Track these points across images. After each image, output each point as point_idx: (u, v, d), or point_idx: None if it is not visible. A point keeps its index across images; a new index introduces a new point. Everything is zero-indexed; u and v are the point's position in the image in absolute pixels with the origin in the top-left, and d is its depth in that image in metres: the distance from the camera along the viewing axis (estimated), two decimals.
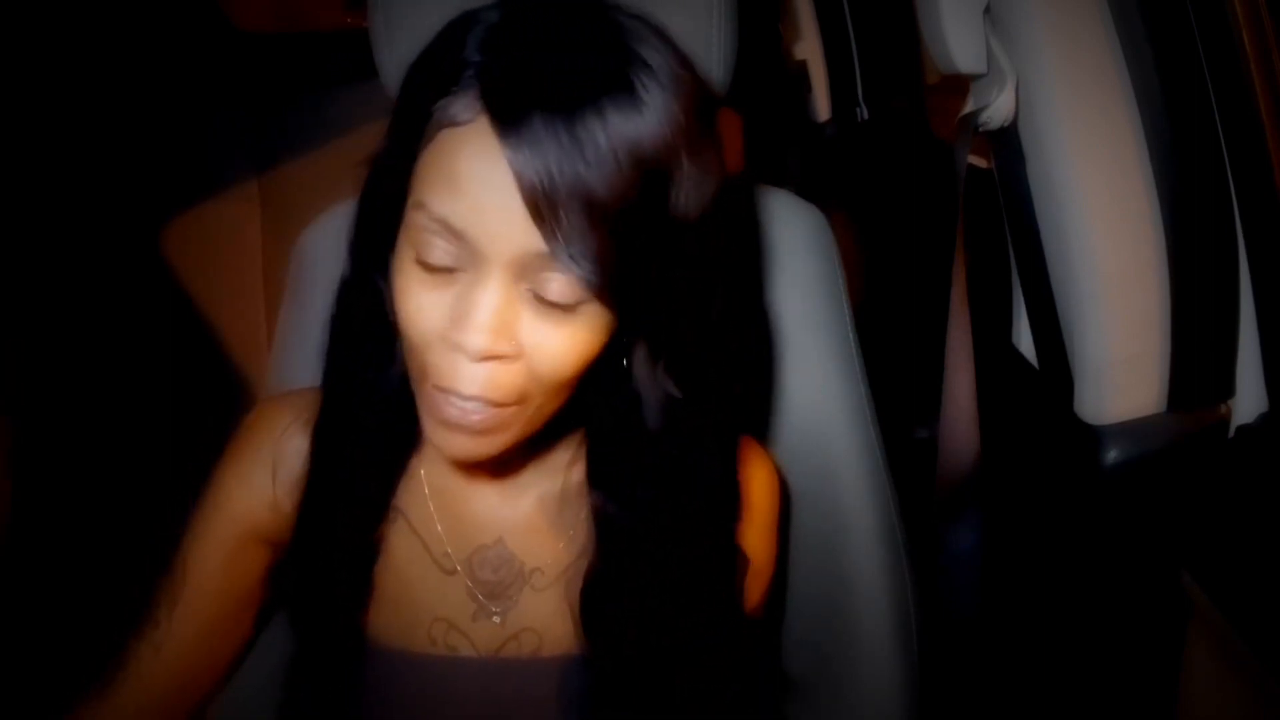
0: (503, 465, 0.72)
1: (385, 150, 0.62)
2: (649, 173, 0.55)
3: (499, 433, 0.61)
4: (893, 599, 0.89)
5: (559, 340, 0.58)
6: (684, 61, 0.59)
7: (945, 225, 1.00)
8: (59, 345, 1.49)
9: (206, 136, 1.72)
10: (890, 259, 1.67)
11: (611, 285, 0.56)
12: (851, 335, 0.91)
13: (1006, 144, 0.94)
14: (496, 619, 0.72)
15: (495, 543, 0.73)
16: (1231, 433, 0.91)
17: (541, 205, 0.53)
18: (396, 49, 0.76)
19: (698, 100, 0.59)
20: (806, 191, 0.96)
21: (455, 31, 0.59)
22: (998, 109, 0.91)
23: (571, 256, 0.54)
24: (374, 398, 0.69)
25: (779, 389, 0.90)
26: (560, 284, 0.57)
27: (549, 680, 0.72)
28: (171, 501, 0.75)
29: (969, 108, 0.96)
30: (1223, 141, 0.86)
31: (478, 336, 0.56)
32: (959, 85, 0.99)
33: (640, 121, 0.55)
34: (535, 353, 0.58)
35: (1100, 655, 0.95)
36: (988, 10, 0.90)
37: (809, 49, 1.99)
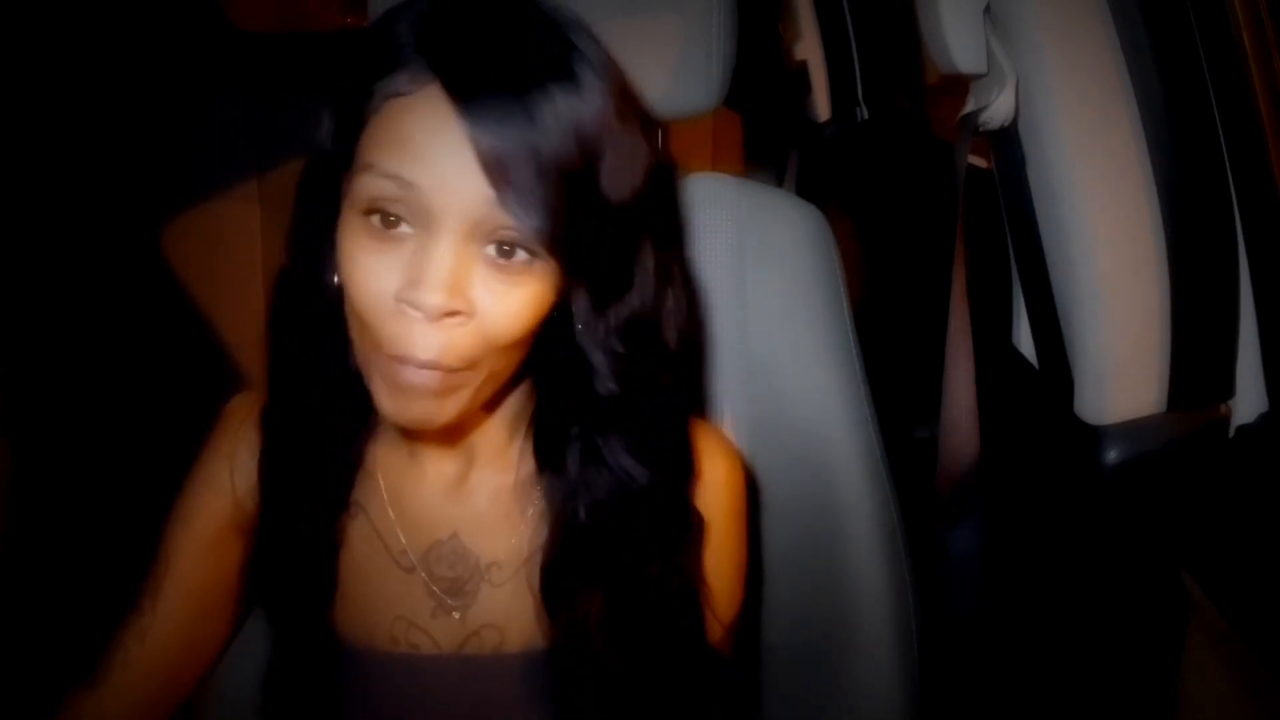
0: (454, 457, 0.73)
1: (324, 136, 0.63)
2: (587, 148, 0.59)
3: (454, 394, 0.62)
4: (893, 599, 0.89)
5: (511, 300, 0.60)
6: (608, 53, 0.63)
7: (945, 225, 1.00)
8: (57, 345, 1.49)
9: (206, 136, 1.72)
10: (890, 259, 1.67)
11: (558, 238, 0.58)
12: (851, 335, 0.91)
13: (1006, 144, 0.94)
14: (456, 615, 0.73)
15: (450, 538, 0.73)
16: (1231, 433, 0.91)
17: (492, 160, 0.56)
18: None
19: (626, 88, 0.63)
20: (806, 191, 0.96)
21: (386, 21, 0.61)
22: (998, 109, 0.91)
23: (522, 207, 0.57)
24: (322, 392, 0.69)
25: (778, 389, 0.90)
26: (511, 238, 0.59)
27: (513, 676, 0.72)
28: (167, 498, 0.76)
29: (969, 108, 0.96)
30: (1223, 142, 0.86)
31: (434, 294, 0.57)
32: (959, 85, 0.98)
33: (580, 102, 0.58)
34: (487, 313, 0.60)
35: (1100, 655, 0.94)
36: (988, 10, 0.90)
37: (809, 49, 1.99)
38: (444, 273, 0.58)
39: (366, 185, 0.59)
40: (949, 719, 0.97)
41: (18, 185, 1.46)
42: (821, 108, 2.00)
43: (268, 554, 0.73)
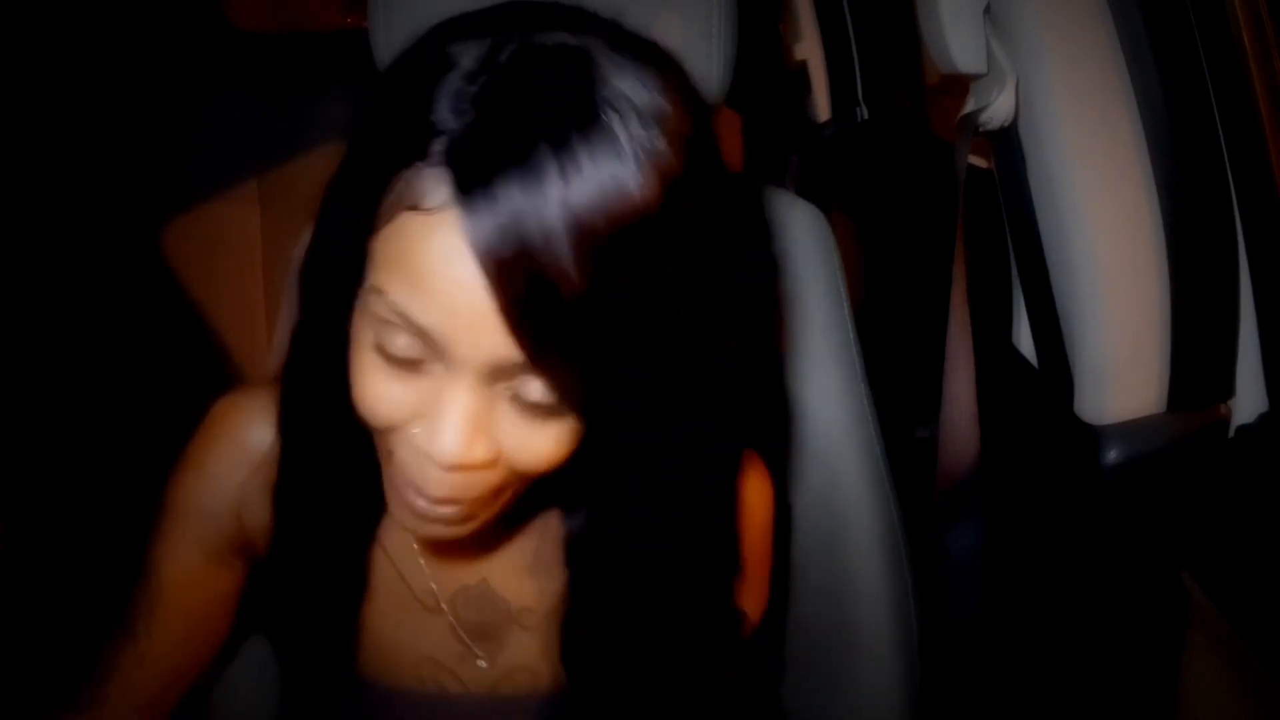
0: None
1: (335, 208, 0.56)
2: (628, 255, 0.48)
3: (472, 521, 0.57)
4: (893, 599, 0.89)
5: (542, 440, 0.53)
6: (677, 100, 0.50)
7: (945, 225, 1.00)
8: (56, 345, 1.49)
9: (206, 137, 1.72)
10: (890, 259, 1.67)
11: (576, 390, 0.51)
12: (851, 335, 0.91)
13: (1006, 144, 0.94)
14: (483, 663, 0.69)
15: (479, 583, 0.69)
16: (1231, 433, 0.91)
17: (518, 313, 0.47)
18: (396, 49, 0.76)
19: (700, 139, 0.51)
20: (806, 191, 0.96)
21: (427, 76, 0.50)
22: (998, 109, 0.91)
23: (554, 364, 0.49)
24: (339, 450, 0.62)
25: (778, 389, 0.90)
26: (542, 386, 0.51)
27: (547, 716, 0.69)
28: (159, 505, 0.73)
29: (969, 108, 0.96)
30: (1223, 142, 0.86)
31: (450, 448, 0.50)
32: (959, 85, 0.98)
33: (624, 177, 0.47)
34: (516, 453, 0.53)
35: (1100, 655, 0.94)
36: (988, 10, 0.90)
37: (809, 49, 1.99)
38: (462, 422, 0.50)
39: (376, 314, 0.51)
40: (949, 719, 0.97)
41: (18, 185, 1.46)
42: (821, 108, 2.00)
43: (281, 589, 0.69)
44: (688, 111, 0.51)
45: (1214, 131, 0.86)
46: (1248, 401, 0.90)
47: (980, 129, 0.94)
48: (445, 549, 0.69)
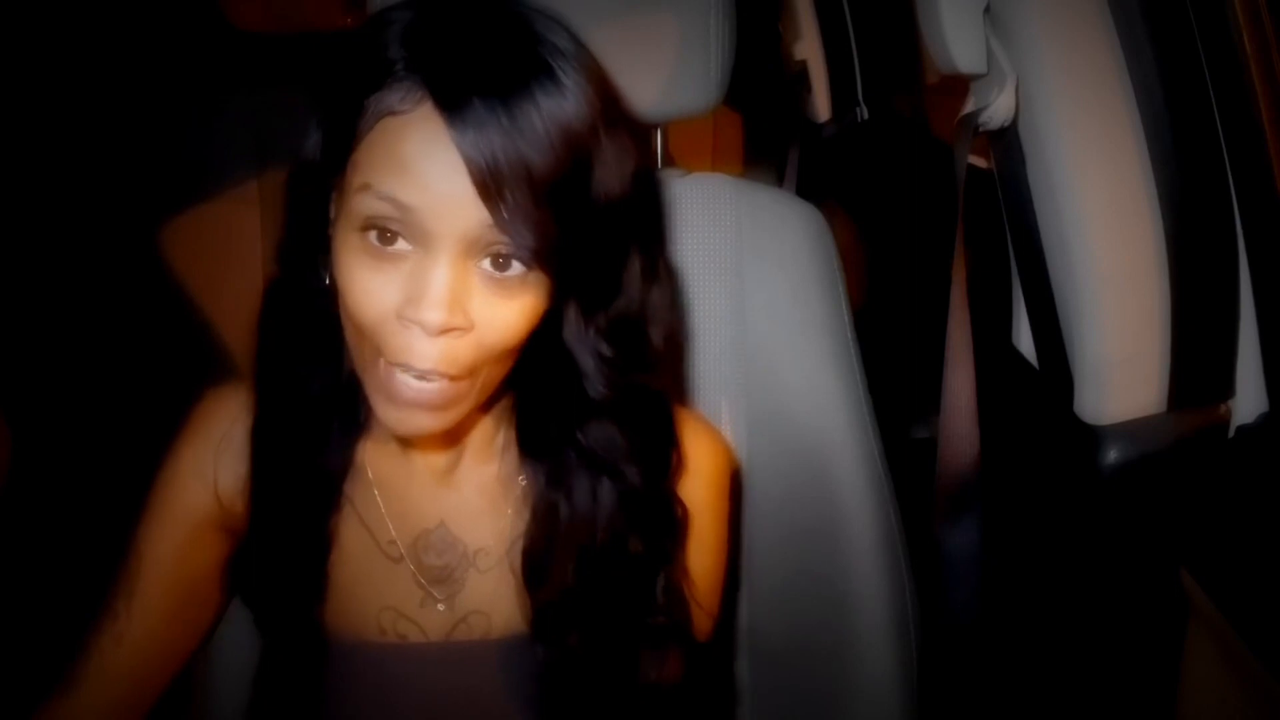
0: (442, 451, 0.74)
1: (313, 147, 0.65)
2: (576, 151, 0.60)
3: (453, 407, 0.64)
4: (891, 599, 0.89)
5: (507, 312, 0.62)
6: (589, 52, 0.64)
7: (945, 225, 1.00)
8: (56, 346, 1.49)
9: (206, 137, 1.72)
10: (890, 259, 1.67)
11: (551, 253, 0.60)
12: (851, 336, 0.91)
13: (1006, 144, 0.94)
14: (441, 607, 0.74)
15: (437, 526, 0.74)
16: (1231, 433, 0.91)
17: (489, 184, 0.57)
18: None
19: (609, 87, 0.64)
20: (806, 191, 0.96)
21: (373, 31, 0.62)
22: (998, 109, 0.91)
23: (517, 229, 0.58)
24: (311, 396, 0.70)
25: (778, 389, 0.90)
26: (506, 254, 0.60)
27: (500, 661, 0.73)
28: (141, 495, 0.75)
29: (969, 108, 0.96)
30: (1223, 142, 0.86)
31: (435, 312, 0.59)
32: (959, 85, 0.98)
33: (565, 104, 0.59)
34: (485, 325, 0.61)
35: (1100, 655, 0.94)
36: (988, 10, 0.90)
37: (809, 49, 1.99)
38: (443, 290, 0.59)
39: (363, 205, 0.60)
40: (948, 719, 0.97)
41: (18, 186, 1.47)
42: (821, 108, 2.00)
43: (256, 554, 0.73)
44: (601, 67, 0.64)
45: (1214, 131, 0.86)
46: (1248, 401, 0.90)
47: (980, 129, 0.94)
48: (406, 498, 0.74)
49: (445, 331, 0.60)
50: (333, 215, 0.64)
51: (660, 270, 0.70)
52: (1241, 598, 0.79)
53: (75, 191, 1.56)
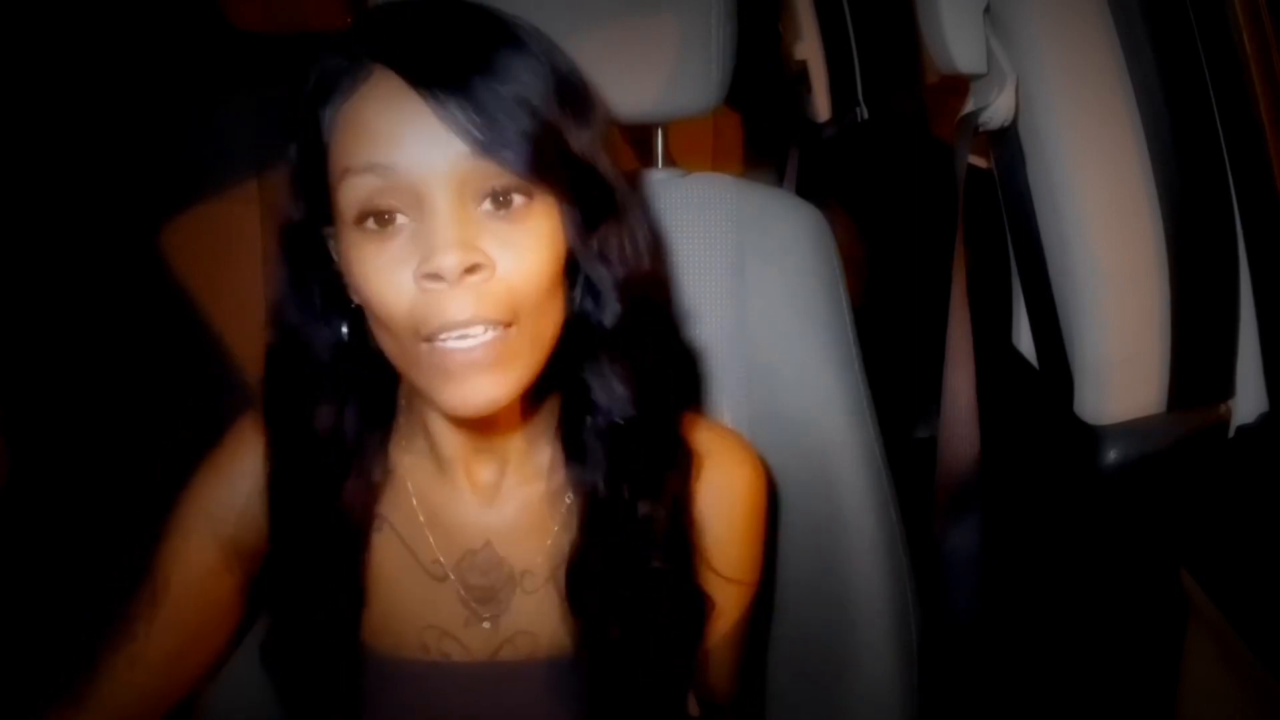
0: (487, 469, 0.73)
1: (293, 197, 0.66)
2: (533, 70, 0.62)
3: (505, 366, 0.62)
4: (892, 599, 0.89)
5: (523, 244, 0.61)
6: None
7: (945, 225, 1.00)
8: (55, 346, 1.49)
9: (206, 136, 1.72)
10: (890, 259, 1.67)
11: (539, 161, 0.60)
12: (851, 335, 0.91)
13: (1006, 144, 0.94)
14: (487, 625, 0.73)
15: (483, 547, 0.73)
16: (1231, 433, 0.91)
17: (456, 115, 0.58)
18: None
19: (566, 61, 0.65)
20: (806, 191, 0.96)
21: (316, 65, 0.64)
22: (998, 109, 0.91)
23: (495, 146, 0.59)
24: (332, 417, 0.69)
25: (778, 389, 0.90)
26: (502, 185, 0.60)
27: (545, 682, 0.72)
28: (161, 509, 0.74)
29: (969, 108, 0.96)
30: (1223, 142, 0.86)
31: (448, 255, 0.58)
32: (959, 85, 0.98)
33: (516, 33, 0.62)
34: (506, 263, 0.61)
35: (1100, 655, 0.95)
36: (988, 10, 0.90)
37: (809, 49, 1.99)
38: (450, 234, 0.59)
39: (350, 189, 0.60)
40: (949, 719, 0.97)
41: (18, 186, 1.47)
42: (821, 108, 2.00)
43: (288, 574, 0.71)
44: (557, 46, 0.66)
45: (1214, 131, 0.86)
46: (1248, 401, 0.90)
47: (980, 129, 0.94)
48: (450, 517, 0.73)
49: (468, 273, 0.59)
50: (335, 256, 0.65)
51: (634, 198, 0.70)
52: (1241, 598, 0.79)
53: (75, 192, 1.56)
